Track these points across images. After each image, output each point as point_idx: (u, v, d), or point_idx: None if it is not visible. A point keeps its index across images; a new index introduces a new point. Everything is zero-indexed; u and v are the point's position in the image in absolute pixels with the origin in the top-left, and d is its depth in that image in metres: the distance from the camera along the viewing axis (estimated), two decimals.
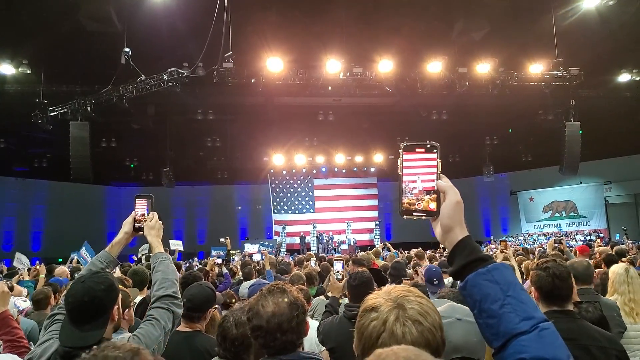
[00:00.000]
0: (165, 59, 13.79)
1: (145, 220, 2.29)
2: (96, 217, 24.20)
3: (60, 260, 15.53)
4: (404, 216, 1.17)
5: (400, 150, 1.18)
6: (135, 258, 12.03)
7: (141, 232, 2.30)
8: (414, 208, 1.15)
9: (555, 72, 14.61)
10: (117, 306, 1.98)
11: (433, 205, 1.14)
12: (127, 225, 2.28)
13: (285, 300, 1.72)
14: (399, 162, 1.18)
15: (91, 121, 14.81)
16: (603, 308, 3.12)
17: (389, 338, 1.06)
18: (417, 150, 1.17)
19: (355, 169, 25.24)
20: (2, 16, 11.55)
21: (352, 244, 22.37)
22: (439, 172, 1.16)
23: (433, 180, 1.15)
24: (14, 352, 2.46)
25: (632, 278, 3.62)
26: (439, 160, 1.16)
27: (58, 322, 1.99)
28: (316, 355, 1.81)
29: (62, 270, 6.81)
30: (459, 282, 1.09)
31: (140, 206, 2.30)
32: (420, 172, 1.16)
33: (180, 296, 2.21)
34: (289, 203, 26.03)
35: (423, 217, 1.15)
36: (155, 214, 2.31)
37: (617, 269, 3.73)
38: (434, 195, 1.14)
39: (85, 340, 1.79)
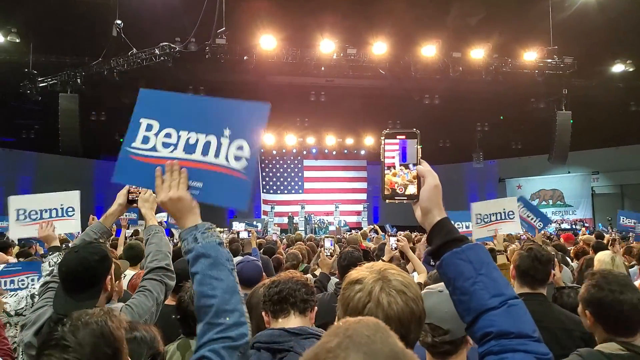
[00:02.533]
0: (157, 33, 13.53)
1: (140, 193, 2.31)
2: (84, 191, 23.54)
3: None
4: (387, 200, 1.22)
5: (382, 137, 1.23)
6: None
7: (135, 205, 2.32)
8: (395, 192, 1.20)
9: (549, 60, 14.66)
10: (110, 276, 2.02)
11: (414, 190, 1.20)
12: (121, 197, 2.31)
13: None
14: (380, 148, 1.23)
15: (81, 94, 14.58)
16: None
17: (376, 307, 1.12)
18: (398, 137, 1.22)
19: (345, 151, 25.27)
20: None
21: (340, 225, 22.53)
22: (419, 157, 1.21)
23: (414, 165, 1.21)
24: None
25: (617, 267, 3.64)
26: (419, 146, 1.21)
27: (52, 290, 2.03)
28: (322, 332, 1.86)
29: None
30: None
31: None
32: (401, 157, 1.22)
33: (172, 269, 2.26)
34: (278, 183, 26.06)
35: (405, 201, 1.21)
36: None
37: (602, 256, 3.76)
38: (415, 180, 1.20)
39: (79, 309, 1.82)
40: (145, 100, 1.48)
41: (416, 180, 1.20)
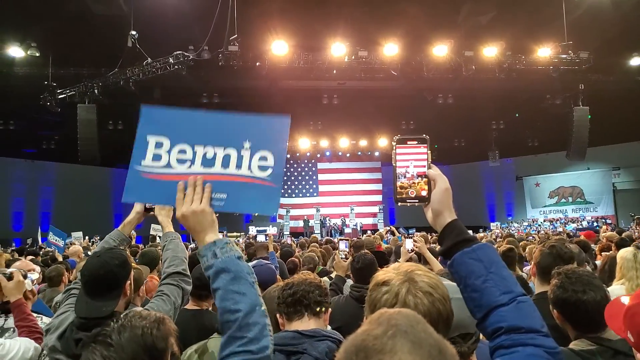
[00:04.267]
0: (171, 42, 13.78)
1: None
2: (103, 199, 24.46)
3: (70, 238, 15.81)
4: (399, 203, 1.27)
5: (394, 143, 1.29)
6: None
7: (152, 213, 2.37)
8: (407, 195, 1.25)
9: (564, 56, 14.43)
10: (129, 282, 2.08)
11: (424, 192, 1.25)
12: (138, 205, 2.36)
13: None
14: (392, 154, 1.29)
15: (98, 104, 14.90)
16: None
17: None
18: (408, 143, 1.28)
19: (359, 153, 25.25)
20: None
21: (355, 227, 22.49)
22: (429, 161, 1.27)
23: (424, 169, 1.26)
24: (30, 337, 2.57)
25: None
26: (429, 151, 1.27)
27: (73, 296, 2.10)
28: (336, 334, 1.88)
29: (76, 249, 6.97)
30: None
31: None
32: (413, 162, 1.27)
33: (189, 273, 2.30)
34: (293, 187, 26.15)
35: (416, 204, 1.26)
36: None
37: (625, 254, 3.62)
38: (426, 183, 1.25)
39: (99, 311, 1.89)
40: (148, 117, 1.41)
41: (427, 184, 1.25)
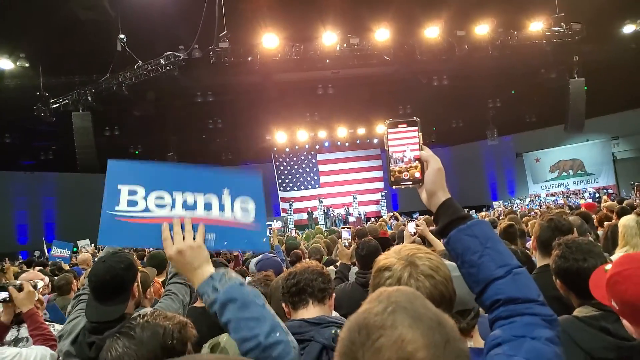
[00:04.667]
0: (161, 43, 13.71)
1: None
2: None
3: (75, 249, 15.88)
4: (393, 186, 1.29)
5: (385, 127, 1.29)
6: None
7: None
8: (401, 178, 1.26)
9: (557, 29, 14.34)
10: (136, 283, 2.10)
11: (418, 174, 1.25)
12: None
13: None
14: (384, 138, 1.30)
15: (93, 111, 14.86)
16: None
17: None
18: (399, 126, 1.28)
19: (358, 142, 25.21)
20: None
21: (359, 215, 22.55)
22: (421, 143, 1.27)
23: (417, 151, 1.27)
24: (45, 345, 2.61)
25: None
26: (420, 133, 1.27)
27: (83, 302, 2.13)
28: (341, 319, 1.91)
29: (85, 257, 7.01)
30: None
31: None
32: (405, 145, 1.28)
33: None
34: (294, 180, 26.17)
35: (410, 186, 1.27)
36: None
37: (627, 221, 3.61)
38: (418, 165, 1.25)
39: (109, 315, 1.91)
40: (117, 169, 1.39)
41: (420, 165, 1.26)
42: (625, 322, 1.48)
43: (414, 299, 0.74)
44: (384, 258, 1.28)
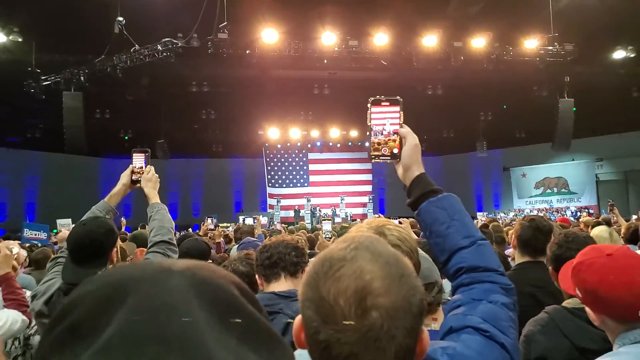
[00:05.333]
0: (159, 29, 13.61)
1: (142, 173, 2.40)
2: (90, 189, 24.10)
3: (54, 231, 15.62)
4: (372, 160, 1.38)
5: (369, 104, 1.39)
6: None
7: (138, 185, 2.41)
8: (381, 152, 1.34)
9: (550, 48, 14.59)
10: (115, 249, 2.12)
11: (396, 150, 1.34)
12: (124, 177, 2.40)
13: None
14: (367, 114, 1.39)
15: (85, 92, 14.69)
16: None
17: None
18: (383, 103, 1.38)
19: (349, 144, 25.30)
20: None
21: (345, 217, 22.63)
22: (401, 121, 1.35)
23: (397, 126, 1.35)
24: (18, 310, 2.60)
25: (615, 242, 3.58)
26: (401, 111, 1.36)
27: (60, 264, 2.14)
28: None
29: (64, 235, 6.92)
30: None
31: (138, 159, 2.42)
32: (385, 119, 1.37)
33: (175, 243, 2.35)
34: (284, 177, 26.17)
35: (388, 161, 1.35)
36: (152, 167, 2.43)
37: (600, 232, 3.64)
38: (397, 139, 1.33)
39: (86, 277, 1.92)
40: None
41: (398, 139, 1.33)
42: (588, 309, 1.55)
43: (376, 241, 0.80)
44: (356, 229, 1.35)
